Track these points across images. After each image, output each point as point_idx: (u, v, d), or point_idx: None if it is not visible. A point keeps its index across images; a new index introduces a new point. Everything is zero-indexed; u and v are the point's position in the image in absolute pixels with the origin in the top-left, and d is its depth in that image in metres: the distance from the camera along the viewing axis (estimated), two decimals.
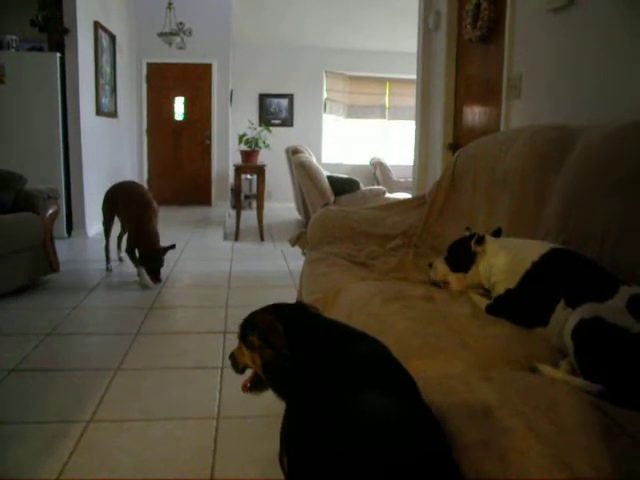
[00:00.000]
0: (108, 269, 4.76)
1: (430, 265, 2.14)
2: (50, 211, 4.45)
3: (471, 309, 1.83)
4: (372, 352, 1.23)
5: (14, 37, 6.29)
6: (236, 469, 1.96)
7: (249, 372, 1.48)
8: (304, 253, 3.04)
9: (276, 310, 1.37)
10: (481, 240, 1.97)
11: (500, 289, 1.82)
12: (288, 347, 1.26)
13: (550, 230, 2.13)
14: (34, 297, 4.08)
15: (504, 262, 1.86)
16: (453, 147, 4.43)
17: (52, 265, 4.44)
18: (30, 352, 3.03)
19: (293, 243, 3.19)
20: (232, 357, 1.49)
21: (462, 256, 2.00)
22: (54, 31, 6.24)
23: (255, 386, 1.46)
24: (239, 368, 1.47)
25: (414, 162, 5.23)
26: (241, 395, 2.28)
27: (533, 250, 1.80)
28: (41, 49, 6.44)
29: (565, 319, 1.51)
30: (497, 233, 2.12)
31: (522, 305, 1.75)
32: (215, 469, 1.95)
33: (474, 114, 4.22)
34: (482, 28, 3.78)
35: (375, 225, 2.96)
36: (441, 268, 2.08)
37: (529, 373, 1.39)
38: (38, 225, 4.26)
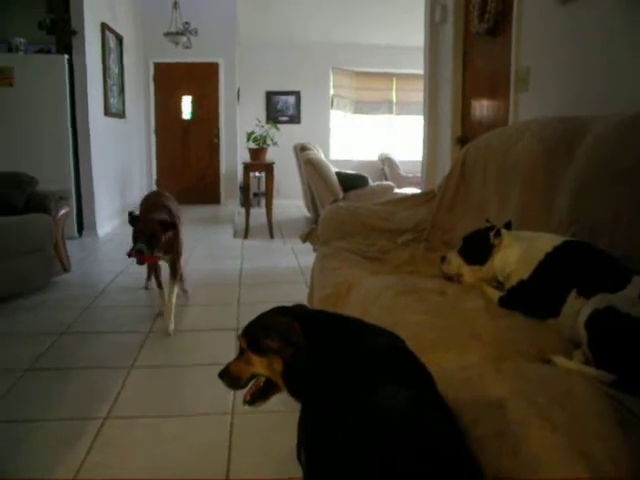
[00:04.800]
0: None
1: (442, 259, 2.14)
2: (61, 212, 4.48)
3: (483, 302, 1.84)
4: (387, 345, 1.24)
5: (22, 40, 6.34)
6: (252, 464, 1.97)
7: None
8: (315, 249, 3.05)
9: (283, 312, 1.38)
10: (498, 233, 1.97)
11: (513, 281, 1.83)
12: (307, 344, 1.27)
13: (561, 222, 2.13)
14: (47, 297, 4.11)
15: (517, 254, 1.87)
16: (462, 141, 4.42)
17: (64, 265, 4.47)
18: (45, 351, 3.06)
19: (304, 239, 3.20)
20: (226, 374, 1.43)
21: (479, 248, 2.00)
22: (62, 33, 6.27)
23: (260, 396, 1.44)
24: (241, 383, 1.42)
25: (423, 156, 5.22)
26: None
27: (546, 242, 1.81)
28: (49, 51, 6.47)
29: (578, 310, 1.51)
30: (508, 226, 2.12)
31: (535, 296, 1.75)
32: (231, 464, 1.97)
33: (482, 107, 4.21)
34: (489, 21, 3.77)
35: (385, 220, 2.97)
36: (455, 261, 2.09)
37: (542, 364, 1.40)
38: (50, 226, 4.29)
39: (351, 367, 1.18)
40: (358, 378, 1.14)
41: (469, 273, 2.05)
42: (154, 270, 3.79)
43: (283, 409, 2.15)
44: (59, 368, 2.86)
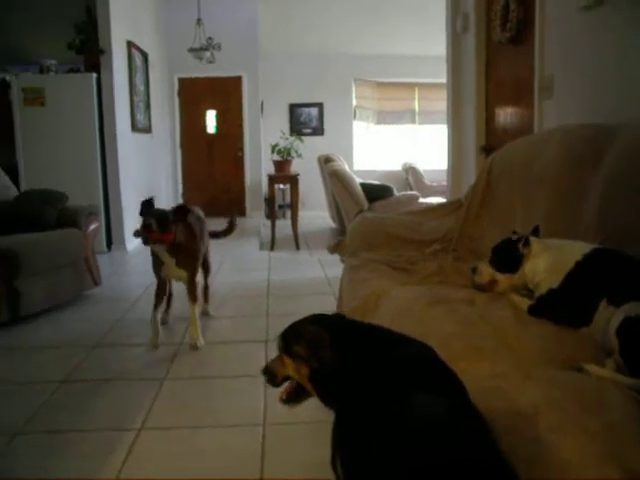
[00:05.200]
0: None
1: (474, 270, 2.15)
2: (91, 227, 4.58)
3: (513, 311, 1.85)
4: (419, 354, 1.26)
5: (53, 61, 6.50)
6: (285, 474, 2.00)
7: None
8: (343, 260, 3.07)
9: (319, 320, 1.41)
10: (527, 242, 1.98)
11: (543, 289, 1.83)
12: (335, 356, 1.30)
13: (588, 229, 2.12)
14: (79, 310, 4.20)
15: (547, 263, 1.87)
16: (486, 150, 4.42)
17: (94, 279, 4.56)
18: (79, 363, 3.13)
19: (332, 251, 3.23)
20: (268, 371, 1.47)
21: (510, 258, 2.01)
22: (90, 53, 6.43)
23: (293, 397, 1.46)
24: (277, 381, 1.46)
25: (448, 166, 5.23)
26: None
27: (576, 250, 1.81)
28: (78, 70, 6.63)
29: (608, 318, 1.52)
30: (535, 232, 2.12)
31: (565, 305, 1.75)
32: (264, 474, 1.99)
33: (506, 116, 4.21)
34: (511, 29, 3.77)
35: (412, 230, 2.98)
36: (486, 271, 2.09)
37: (574, 372, 1.40)
38: (81, 241, 4.39)
39: (383, 376, 1.20)
40: (391, 387, 1.16)
41: (503, 280, 2.05)
42: (167, 296, 3.65)
43: (314, 420, 2.19)
44: (93, 380, 2.92)
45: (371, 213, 3.77)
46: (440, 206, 3.39)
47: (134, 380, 2.91)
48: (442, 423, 1.08)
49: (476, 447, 1.06)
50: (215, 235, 4.07)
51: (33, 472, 2.07)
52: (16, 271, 3.76)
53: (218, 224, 7.22)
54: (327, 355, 1.31)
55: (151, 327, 3.31)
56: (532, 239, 2.02)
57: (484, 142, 4.52)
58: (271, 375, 1.46)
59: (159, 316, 3.38)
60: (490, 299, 1.98)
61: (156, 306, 3.35)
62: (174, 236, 3.10)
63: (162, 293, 3.43)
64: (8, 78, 6.80)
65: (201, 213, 3.86)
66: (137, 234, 3.04)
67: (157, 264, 3.31)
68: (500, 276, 2.08)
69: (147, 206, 3.17)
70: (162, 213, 3.06)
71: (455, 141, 5.10)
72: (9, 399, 2.72)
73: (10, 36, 8.09)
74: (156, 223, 2.96)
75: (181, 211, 3.18)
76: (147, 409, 2.54)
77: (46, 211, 4.41)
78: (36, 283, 3.93)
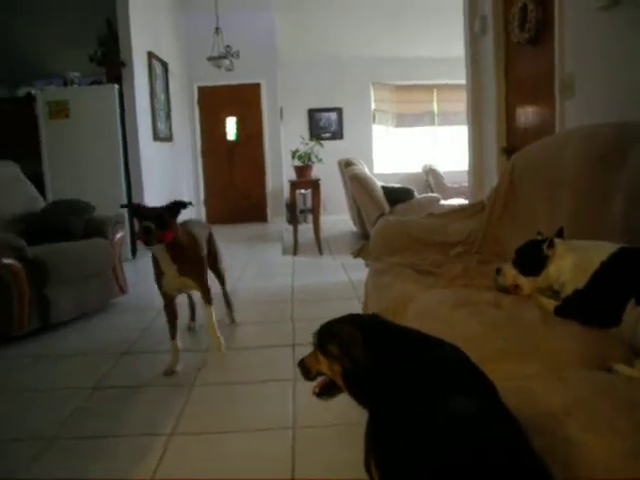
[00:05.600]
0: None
1: (497, 271, 2.16)
2: (118, 236, 4.65)
3: (539, 312, 1.85)
4: (451, 356, 1.28)
5: (76, 74, 6.63)
6: (316, 476, 2.01)
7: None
8: (367, 264, 3.09)
9: (354, 320, 1.43)
10: (551, 243, 1.98)
11: (568, 290, 1.84)
12: (367, 356, 1.32)
13: (614, 229, 2.12)
14: (106, 318, 4.27)
15: (572, 263, 1.87)
16: (507, 151, 4.41)
17: (121, 287, 4.63)
18: (108, 370, 3.18)
19: (356, 255, 3.25)
20: (302, 364, 1.52)
21: (533, 260, 2.02)
22: (111, 65, 6.54)
23: (326, 392, 1.49)
24: (310, 375, 1.50)
25: (469, 167, 5.22)
26: (315, 405, 2.35)
27: (602, 250, 1.81)
28: (100, 82, 6.74)
29: (637, 318, 1.52)
30: (560, 233, 2.12)
31: (591, 305, 1.75)
32: (295, 477, 2.01)
33: (527, 116, 4.20)
34: (530, 30, 3.77)
35: (436, 233, 2.99)
36: (510, 273, 2.10)
37: (604, 372, 1.40)
38: (107, 250, 4.46)
39: (416, 377, 1.22)
40: (423, 388, 1.18)
41: (526, 284, 2.06)
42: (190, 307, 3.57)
43: (343, 422, 2.21)
44: (123, 387, 2.97)
45: (393, 216, 3.78)
46: (463, 208, 3.40)
47: (163, 386, 2.95)
48: (475, 424, 1.10)
49: (509, 447, 1.07)
50: None
51: (68, 475, 2.12)
52: (45, 280, 3.83)
53: (241, 231, 7.27)
54: (359, 355, 1.33)
55: (171, 353, 3.17)
56: (556, 240, 2.03)
57: (505, 143, 4.51)
58: (305, 369, 1.51)
59: (178, 343, 3.19)
60: (516, 301, 1.99)
61: (172, 333, 3.18)
62: (175, 233, 2.94)
63: (173, 314, 3.22)
64: (33, 92, 6.95)
65: (205, 223, 3.86)
66: (138, 238, 2.93)
67: (158, 274, 3.08)
68: (523, 279, 2.09)
69: (139, 208, 2.96)
70: (158, 212, 2.87)
71: (476, 142, 5.09)
72: (43, 404, 2.78)
73: (33, 51, 8.25)
74: (154, 222, 2.77)
75: (175, 206, 2.96)
76: (177, 415, 2.58)
77: (73, 221, 4.50)
78: (65, 292, 4.00)
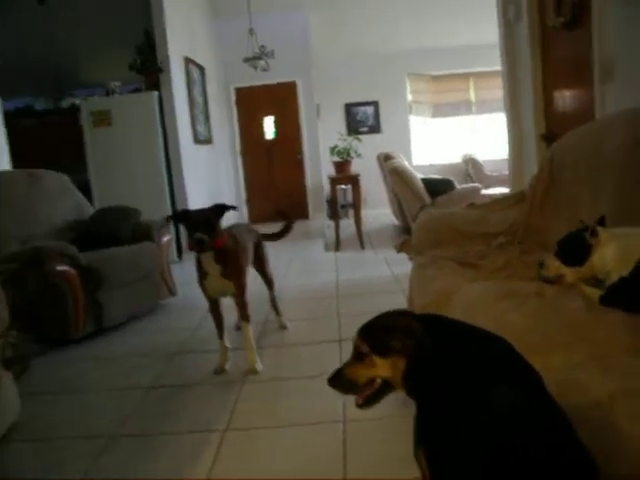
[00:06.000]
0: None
1: (541, 264, 2.15)
2: (165, 239, 4.78)
3: (583, 302, 1.85)
4: (499, 347, 1.30)
5: (117, 83, 6.81)
6: (368, 470, 2.06)
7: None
8: (411, 258, 3.11)
9: (402, 313, 1.43)
10: (594, 232, 1.98)
11: (614, 278, 1.83)
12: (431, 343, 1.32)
13: None
14: (157, 320, 4.40)
15: (616, 251, 1.86)
16: (546, 138, 4.36)
17: (170, 289, 4.76)
18: (162, 370, 3.29)
19: (399, 250, 3.27)
20: (341, 379, 1.44)
21: (576, 250, 2.01)
22: (149, 72, 6.69)
23: (373, 399, 1.45)
24: (359, 387, 1.43)
25: (509, 156, 5.18)
26: None
27: None
28: (140, 89, 6.92)
29: None
30: (602, 221, 2.11)
31: (637, 292, 1.75)
32: (347, 469, 2.06)
33: (565, 102, 4.15)
34: (566, 14, 3.73)
35: (477, 224, 2.99)
36: (553, 265, 2.10)
37: None
38: (155, 253, 4.59)
39: (466, 368, 1.25)
40: (473, 379, 1.21)
41: (569, 274, 2.06)
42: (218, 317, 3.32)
43: (392, 414, 2.25)
44: (177, 385, 3.07)
45: (434, 208, 3.78)
46: (503, 198, 3.38)
47: (214, 384, 3.04)
48: (521, 414, 1.13)
49: (555, 437, 1.10)
50: (270, 237, 3.94)
51: (130, 472, 2.21)
52: (98, 285, 3.97)
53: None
54: (424, 340, 1.32)
55: (219, 353, 3.24)
56: (599, 228, 2.02)
57: (544, 129, 4.46)
58: (348, 384, 1.44)
59: (227, 343, 3.25)
60: (560, 291, 1.99)
61: (219, 333, 3.25)
62: (224, 238, 2.99)
63: (218, 315, 3.27)
64: (77, 102, 7.16)
65: (252, 227, 3.82)
66: (191, 248, 2.95)
67: (201, 275, 3.10)
68: (567, 269, 2.09)
69: (185, 214, 2.99)
70: (205, 217, 2.90)
71: (515, 130, 5.04)
72: (103, 404, 2.91)
73: (75, 62, 8.51)
74: (204, 230, 2.83)
75: (220, 209, 3.00)
76: (230, 411, 2.66)
77: (121, 227, 4.64)
78: (116, 296, 4.14)
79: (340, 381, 1.45)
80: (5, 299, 2.66)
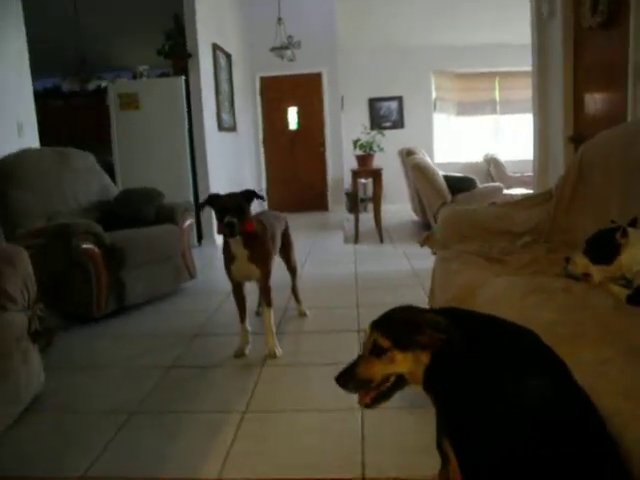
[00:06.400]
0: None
1: (567, 259, 2.16)
2: (187, 222, 4.83)
3: (612, 300, 1.86)
4: (527, 339, 1.32)
5: (146, 67, 6.86)
6: (386, 454, 2.09)
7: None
8: (434, 253, 3.12)
9: (421, 309, 1.43)
10: (625, 232, 1.98)
11: None
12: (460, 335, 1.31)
13: None
14: (178, 302, 4.45)
15: None
16: (574, 140, 4.34)
17: (190, 272, 4.80)
18: (183, 351, 3.34)
19: (422, 243, 3.28)
20: (352, 377, 1.40)
21: (605, 248, 2.02)
22: (178, 57, 6.73)
23: (383, 397, 1.43)
24: (374, 384, 1.40)
25: (534, 156, 5.15)
26: None
27: None
28: (167, 74, 6.96)
29: None
30: (633, 223, 2.12)
31: None
32: (365, 454, 2.09)
33: (596, 104, 4.12)
34: (603, 13, 3.69)
35: (503, 222, 3.00)
36: (581, 261, 2.11)
37: None
38: (177, 236, 4.64)
39: (498, 357, 1.26)
40: (506, 368, 1.23)
41: (597, 272, 2.06)
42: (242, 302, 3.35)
43: (409, 405, 2.28)
44: (197, 366, 3.12)
45: (458, 205, 3.78)
46: (530, 197, 3.38)
47: (234, 367, 3.08)
48: (549, 404, 1.15)
49: (586, 427, 1.12)
50: None
51: (150, 447, 2.26)
52: (121, 264, 4.03)
53: (303, 219, 7.36)
54: (454, 334, 1.30)
55: (240, 336, 3.27)
56: (629, 229, 2.02)
57: (572, 131, 4.44)
58: (361, 382, 1.40)
59: (248, 327, 3.29)
60: (587, 288, 2.00)
61: (241, 316, 3.28)
62: (254, 224, 3.03)
63: (241, 299, 3.31)
64: (103, 85, 7.21)
65: (281, 215, 3.83)
66: (220, 232, 3.00)
67: (228, 258, 3.15)
68: (593, 268, 2.09)
69: (216, 199, 2.99)
70: (236, 201, 2.93)
71: (541, 131, 5.02)
72: (123, 381, 2.96)
73: (104, 46, 8.58)
74: (234, 214, 2.86)
75: (250, 194, 3.05)
76: (250, 393, 2.69)
77: (145, 208, 4.69)
78: (139, 276, 4.20)
79: (352, 379, 1.40)
80: (33, 274, 2.72)
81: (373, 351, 1.39)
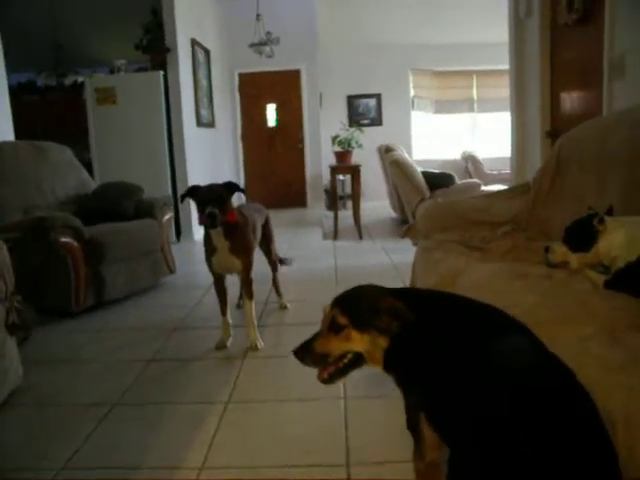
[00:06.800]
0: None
1: (546, 249, 2.20)
2: (166, 217, 4.80)
3: (591, 285, 1.90)
4: (490, 309, 1.36)
5: (123, 61, 6.80)
6: (369, 442, 2.10)
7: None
8: (415, 244, 3.15)
9: (384, 290, 1.44)
10: (602, 219, 2.02)
11: (620, 263, 1.88)
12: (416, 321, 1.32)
13: None
14: (157, 296, 4.43)
15: (624, 237, 1.91)
16: (552, 135, 4.40)
17: (170, 267, 4.78)
18: (163, 344, 3.32)
19: (403, 235, 3.31)
20: (309, 351, 1.42)
21: (583, 236, 2.06)
22: (156, 52, 6.68)
23: (340, 373, 1.44)
24: (330, 359, 1.42)
25: (511, 152, 5.22)
26: (364, 378, 2.45)
27: None
28: (145, 69, 6.91)
29: None
30: (610, 212, 2.15)
31: None
32: (349, 440, 2.11)
33: (573, 100, 4.19)
34: (578, 11, 3.76)
35: (483, 212, 3.04)
36: (560, 249, 2.14)
37: None
38: (157, 230, 4.61)
39: (462, 329, 1.29)
40: (471, 337, 1.26)
41: (575, 260, 2.10)
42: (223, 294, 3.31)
43: (392, 392, 2.29)
44: (177, 359, 3.10)
45: (440, 198, 3.82)
46: (509, 189, 3.43)
47: (216, 359, 3.07)
48: (524, 365, 1.19)
49: (562, 383, 1.15)
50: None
51: (132, 438, 2.25)
52: (100, 259, 3.99)
53: (281, 216, 7.34)
54: (411, 320, 1.31)
55: (222, 328, 3.26)
56: (606, 217, 2.06)
57: (549, 127, 4.51)
58: (319, 356, 1.41)
59: (229, 319, 3.28)
60: (568, 275, 2.03)
61: (222, 309, 3.27)
62: (235, 215, 3.02)
63: (222, 292, 3.28)
64: (80, 79, 7.13)
65: (262, 207, 3.83)
66: (202, 222, 2.95)
67: (209, 250, 3.14)
68: (572, 256, 2.13)
69: (197, 190, 2.98)
70: (217, 192, 2.93)
71: (519, 127, 5.09)
72: (104, 375, 2.93)
73: (81, 41, 8.48)
74: (216, 205, 2.85)
75: (231, 186, 3.05)
76: (232, 385, 2.69)
77: (124, 203, 4.66)
78: (118, 270, 4.16)
79: (309, 353, 1.41)
80: (11, 265, 2.69)
81: (331, 327, 1.40)
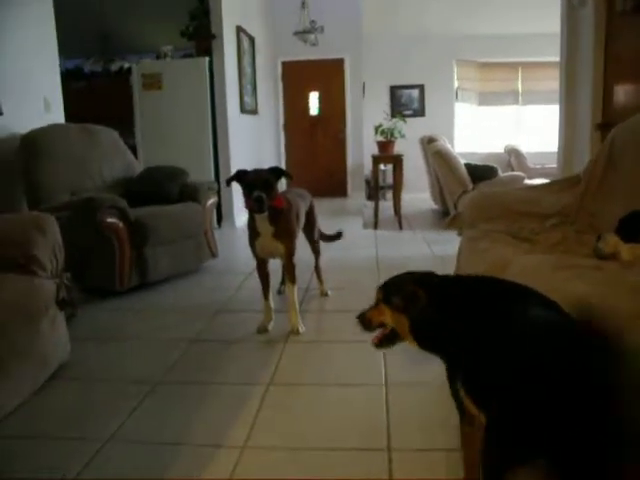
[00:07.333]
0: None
1: (598, 237, 2.16)
2: (210, 201, 4.85)
3: None
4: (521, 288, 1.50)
5: (170, 47, 6.87)
6: (410, 429, 2.10)
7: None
8: (460, 233, 3.12)
9: (415, 278, 1.61)
10: None
11: None
12: (431, 309, 1.50)
13: None
14: (200, 279, 4.49)
15: None
16: (602, 127, 4.29)
17: (212, 251, 4.83)
18: (205, 326, 3.37)
19: (448, 224, 3.29)
20: (363, 317, 1.69)
21: (637, 227, 2.02)
22: (202, 38, 6.72)
23: (385, 342, 1.68)
24: (371, 327, 1.68)
25: (559, 145, 5.11)
26: (404, 365, 2.45)
27: None
28: (191, 55, 6.97)
29: None
30: None
31: None
32: (390, 426, 2.10)
33: (627, 92, 4.07)
34: None
35: (530, 204, 2.99)
36: (612, 239, 2.10)
37: None
38: (201, 214, 4.66)
39: (492, 310, 1.44)
40: (500, 311, 1.41)
41: (627, 250, 2.05)
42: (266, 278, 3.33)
43: (430, 381, 2.28)
44: (219, 341, 3.14)
45: (487, 188, 3.77)
46: (557, 182, 3.36)
47: (258, 342, 3.10)
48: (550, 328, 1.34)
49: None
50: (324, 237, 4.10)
51: (175, 415, 2.29)
52: (145, 240, 4.05)
53: (322, 204, 7.34)
54: (423, 309, 1.51)
55: (264, 312, 3.29)
56: None
57: (600, 120, 4.39)
58: (366, 321, 1.68)
59: (271, 303, 3.31)
60: (619, 267, 1.98)
61: (265, 293, 3.29)
62: (281, 200, 3.05)
63: (265, 276, 3.31)
64: (126, 65, 7.22)
65: (307, 193, 3.83)
66: (248, 207, 3.00)
67: (253, 235, 3.16)
68: (624, 247, 2.09)
69: (244, 174, 3.01)
70: (264, 178, 2.95)
71: (568, 120, 4.97)
72: (147, 353, 2.99)
73: (128, 28, 8.60)
74: (263, 190, 2.88)
75: (277, 172, 3.09)
76: (273, 367, 2.71)
77: (169, 186, 4.71)
78: (162, 252, 4.22)
79: (363, 318, 1.70)
80: (61, 243, 2.76)
81: (376, 301, 1.69)
